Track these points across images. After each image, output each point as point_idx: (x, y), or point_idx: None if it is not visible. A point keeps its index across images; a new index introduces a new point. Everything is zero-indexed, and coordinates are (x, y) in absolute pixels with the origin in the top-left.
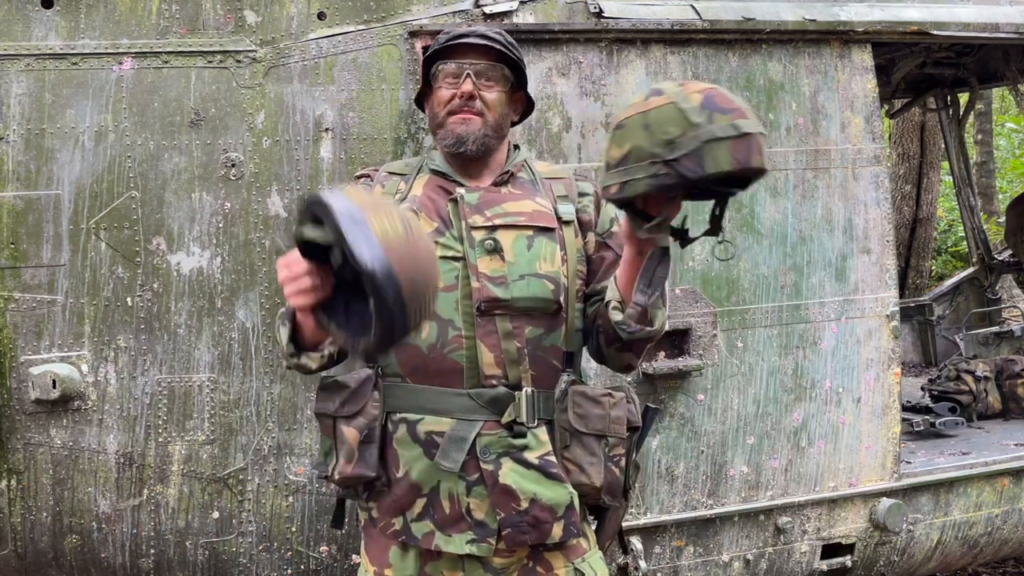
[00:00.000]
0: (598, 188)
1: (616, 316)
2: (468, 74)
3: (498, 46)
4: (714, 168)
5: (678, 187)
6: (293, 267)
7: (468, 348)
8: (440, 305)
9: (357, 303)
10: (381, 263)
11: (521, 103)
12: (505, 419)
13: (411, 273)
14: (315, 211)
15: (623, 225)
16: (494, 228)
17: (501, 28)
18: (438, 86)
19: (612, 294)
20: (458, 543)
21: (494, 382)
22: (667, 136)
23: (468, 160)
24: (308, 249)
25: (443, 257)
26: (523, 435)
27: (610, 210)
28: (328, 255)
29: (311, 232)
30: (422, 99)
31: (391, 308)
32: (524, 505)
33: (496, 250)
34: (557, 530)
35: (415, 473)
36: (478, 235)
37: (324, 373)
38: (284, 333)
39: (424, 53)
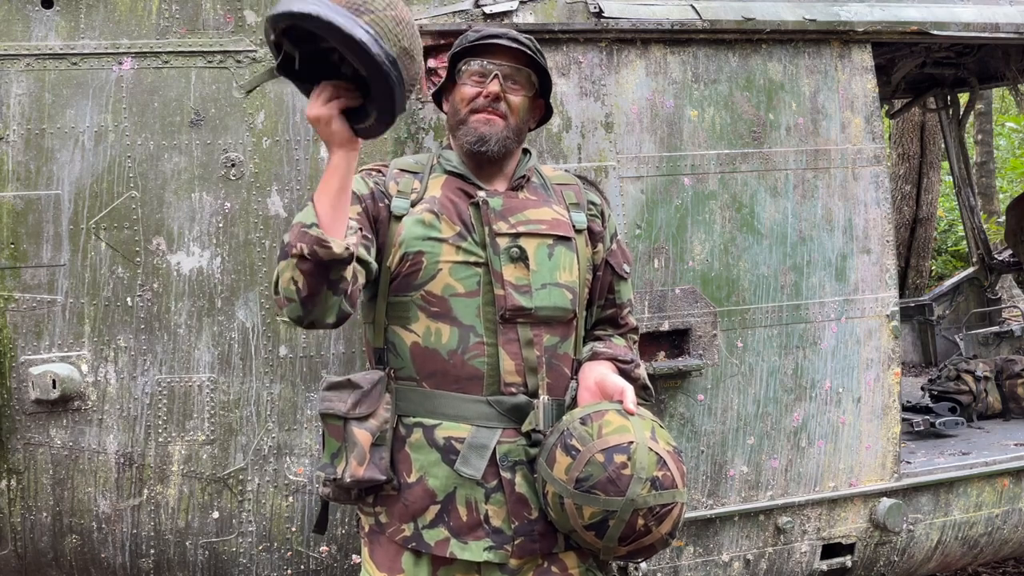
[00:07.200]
0: (604, 205)
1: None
2: (496, 75)
3: (528, 51)
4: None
5: None
6: (315, 94)
7: (489, 355)
8: (461, 311)
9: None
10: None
11: (540, 110)
12: (525, 427)
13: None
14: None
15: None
16: (518, 235)
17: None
18: (462, 83)
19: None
20: (475, 550)
21: (513, 390)
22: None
23: (485, 162)
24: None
25: (464, 262)
26: (538, 443)
27: (612, 224)
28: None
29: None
30: (439, 94)
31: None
32: (535, 514)
33: (521, 258)
34: (562, 540)
35: (431, 478)
36: (503, 242)
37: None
38: (303, 213)
39: (426, 53)
